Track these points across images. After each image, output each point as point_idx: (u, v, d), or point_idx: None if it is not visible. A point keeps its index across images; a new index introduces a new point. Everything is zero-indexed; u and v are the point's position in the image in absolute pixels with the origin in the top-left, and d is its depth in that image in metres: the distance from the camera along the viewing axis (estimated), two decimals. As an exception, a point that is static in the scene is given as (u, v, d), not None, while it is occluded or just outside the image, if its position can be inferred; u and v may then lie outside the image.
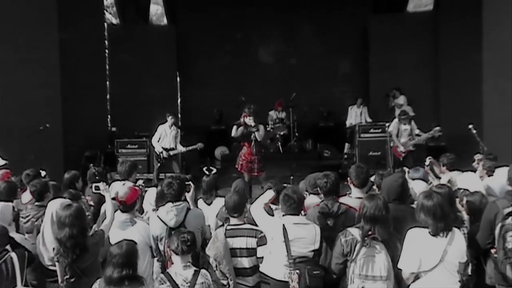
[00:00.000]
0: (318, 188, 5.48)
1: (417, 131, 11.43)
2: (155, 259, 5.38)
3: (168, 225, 5.21)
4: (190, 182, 6.07)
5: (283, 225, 4.90)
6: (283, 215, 5.06)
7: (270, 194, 5.46)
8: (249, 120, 9.88)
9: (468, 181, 6.73)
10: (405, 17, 17.75)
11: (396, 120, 12.08)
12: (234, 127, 10.14)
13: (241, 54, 18.57)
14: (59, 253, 4.91)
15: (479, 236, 5.14)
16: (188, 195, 5.87)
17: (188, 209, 5.44)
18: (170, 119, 11.50)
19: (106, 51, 17.43)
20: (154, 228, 5.33)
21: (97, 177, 7.25)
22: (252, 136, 9.93)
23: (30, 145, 10.57)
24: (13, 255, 4.86)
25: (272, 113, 15.68)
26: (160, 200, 5.80)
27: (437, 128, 10.98)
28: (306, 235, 4.91)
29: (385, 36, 16.76)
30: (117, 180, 7.27)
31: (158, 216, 5.34)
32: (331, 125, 16.56)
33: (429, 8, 18.18)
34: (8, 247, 5.01)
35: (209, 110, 17.13)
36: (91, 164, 12.36)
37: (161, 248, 5.24)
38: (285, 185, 5.71)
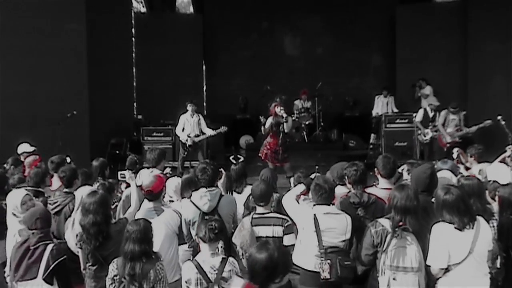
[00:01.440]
0: (346, 177, 5.41)
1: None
2: (186, 245, 5.39)
3: (201, 210, 5.25)
4: (222, 169, 6.07)
5: (314, 215, 4.86)
6: (314, 205, 5.02)
7: (300, 187, 5.43)
8: (280, 111, 9.87)
9: (498, 172, 6.65)
10: (433, 7, 17.45)
11: (421, 109, 12.02)
12: (262, 126, 10.20)
13: (267, 44, 18.52)
14: (82, 240, 4.94)
15: None
16: (220, 182, 5.88)
17: (221, 195, 5.47)
18: (190, 108, 11.51)
19: (133, 39, 17.46)
20: (187, 212, 5.36)
21: (137, 165, 7.27)
22: (280, 127, 9.92)
23: (57, 132, 10.68)
24: (49, 247, 4.82)
25: (298, 103, 15.61)
26: (186, 188, 5.82)
27: (489, 121, 10.85)
28: (337, 225, 4.86)
29: (413, 26, 16.47)
30: (145, 167, 7.28)
31: (191, 201, 5.37)
32: (356, 115, 16.46)
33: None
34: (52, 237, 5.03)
35: (235, 99, 17.13)
36: (116, 152, 12.53)
37: (193, 233, 5.25)
38: (313, 175, 5.64)
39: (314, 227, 4.81)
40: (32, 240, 4.86)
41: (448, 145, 11.21)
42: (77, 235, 5.08)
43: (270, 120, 10.04)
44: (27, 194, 6.16)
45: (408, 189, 4.58)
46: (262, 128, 10.21)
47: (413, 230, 4.46)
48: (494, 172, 6.71)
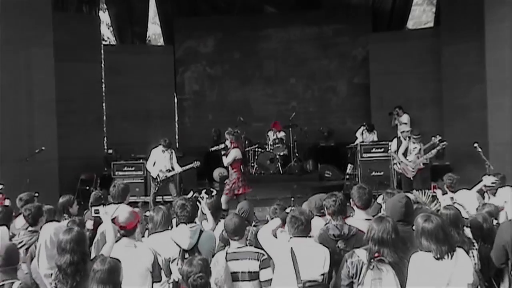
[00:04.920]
0: (325, 208, 5.37)
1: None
2: (160, 283, 5.34)
3: (181, 247, 5.20)
4: (199, 203, 6.07)
5: (291, 248, 4.82)
6: (291, 238, 4.99)
7: (276, 222, 5.42)
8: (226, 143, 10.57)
9: (464, 198, 6.78)
10: (405, 35, 17.81)
11: (395, 139, 12.12)
12: None
13: (239, 74, 18.71)
14: (58, 279, 4.82)
15: (493, 254, 5.12)
16: (197, 216, 5.87)
17: (201, 231, 5.43)
18: (162, 144, 11.44)
19: (103, 72, 17.43)
20: (166, 250, 5.30)
21: (102, 201, 7.20)
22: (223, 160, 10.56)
23: (25, 169, 10.56)
24: (15, 285, 4.67)
25: (270, 134, 15.67)
26: (160, 227, 5.78)
27: (436, 138, 10.95)
28: (315, 258, 4.82)
29: (386, 54, 16.77)
30: (112, 203, 7.19)
31: (171, 237, 5.32)
32: (332, 145, 16.51)
33: (429, 25, 18.27)
34: (18, 273, 4.93)
35: (207, 131, 17.13)
36: (87, 188, 12.41)
37: (173, 269, 5.23)
38: (289, 209, 5.64)
39: (291, 261, 4.76)
40: None
41: (413, 173, 11.30)
42: (51, 274, 4.98)
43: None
44: None
45: (386, 222, 4.54)
46: None
47: (390, 261, 4.42)
48: (460, 198, 6.85)
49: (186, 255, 5.06)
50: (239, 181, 10.53)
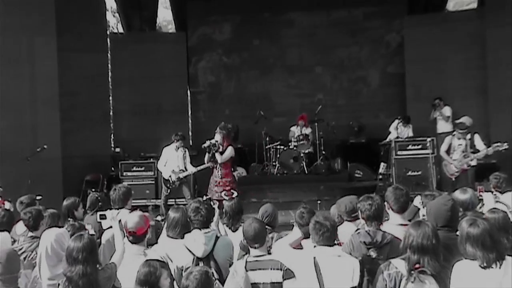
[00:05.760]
0: (360, 212, 5.30)
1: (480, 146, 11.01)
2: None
3: (195, 254, 5.18)
4: (215, 206, 6.06)
5: (314, 258, 4.76)
6: (314, 247, 4.92)
7: (296, 233, 5.37)
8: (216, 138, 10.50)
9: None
10: (445, 17, 17.62)
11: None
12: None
13: (258, 64, 18.68)
14: None
15: None
16: (213, 220, 5.86)
17: (217, 237, 5.41)
18: (176, 142, 11.45)
19: (109, 63, 17.50)
20: (179, 258, 5.27)
21: (100, 204, 7.22)
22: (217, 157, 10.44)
23: (26, 169, 10.64)
24: None
25: (294, 129, 15.53)
26: (172, 229, 5.76)
27: (500, 143, 10.63)
28: (342, 269, 4.74)
29: (423, 39, 16.55)
30: (112, 208, 7.18)
31: (184, 244, 5.30)
32: (362, 141, 16.38)
33: (472, 6, 18.05)
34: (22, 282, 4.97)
35: (224, 127, 17.12)
36: (92, 189, 12.45)
37: None
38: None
39: (315, 273, 4.71)
40: None
41: (456, 173, 11.03)
42: (57, 285, 4.99)
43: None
44: None
45: (425, 226, 4.45)
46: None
47: (432, 272, 4.32)
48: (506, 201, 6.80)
49: (200, 264, 5.05)
50: (235, 182, 10.73)
